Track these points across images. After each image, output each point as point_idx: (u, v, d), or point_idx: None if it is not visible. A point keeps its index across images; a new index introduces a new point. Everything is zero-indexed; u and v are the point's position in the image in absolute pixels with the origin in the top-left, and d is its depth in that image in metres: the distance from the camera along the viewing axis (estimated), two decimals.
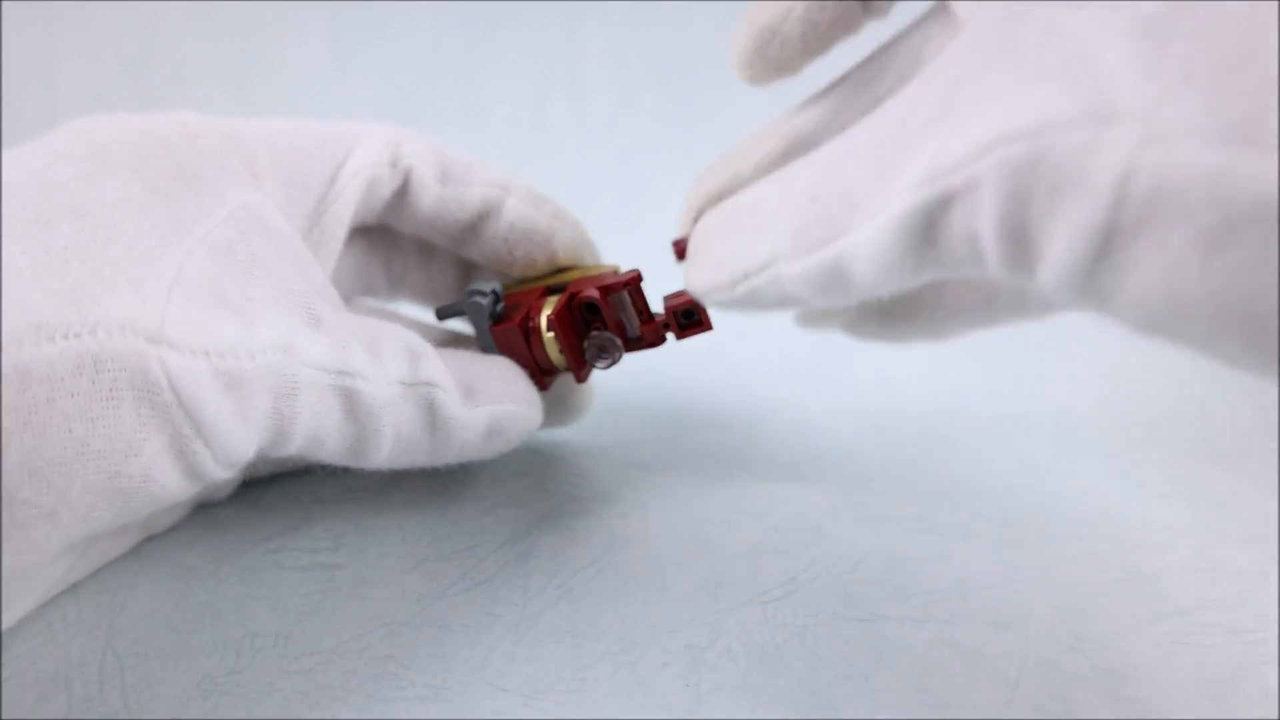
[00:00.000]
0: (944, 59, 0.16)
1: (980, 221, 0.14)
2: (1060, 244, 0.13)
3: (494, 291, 0.25)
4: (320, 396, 0.19)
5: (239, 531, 0.25)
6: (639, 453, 0.29)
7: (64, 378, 0.16)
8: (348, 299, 0.27)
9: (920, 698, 0.19)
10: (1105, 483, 0.28)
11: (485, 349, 0.25)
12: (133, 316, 0.16)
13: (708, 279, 0.20)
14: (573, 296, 0.24)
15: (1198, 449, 0.30)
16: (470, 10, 0.60)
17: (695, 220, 0.22)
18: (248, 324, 0.18)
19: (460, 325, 0.29)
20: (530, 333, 0.24)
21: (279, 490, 0.27)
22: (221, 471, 0.18)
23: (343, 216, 0.23)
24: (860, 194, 0.16)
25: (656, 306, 0.24)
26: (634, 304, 0.24)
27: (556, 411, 0.28)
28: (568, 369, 0.24)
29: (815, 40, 0.22)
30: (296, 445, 0.20)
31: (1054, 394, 0.34)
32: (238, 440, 0.18)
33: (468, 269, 0.29)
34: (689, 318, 0.23)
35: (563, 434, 0.31)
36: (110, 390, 0.16)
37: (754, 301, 0.19)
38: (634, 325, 0.24)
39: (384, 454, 0.21)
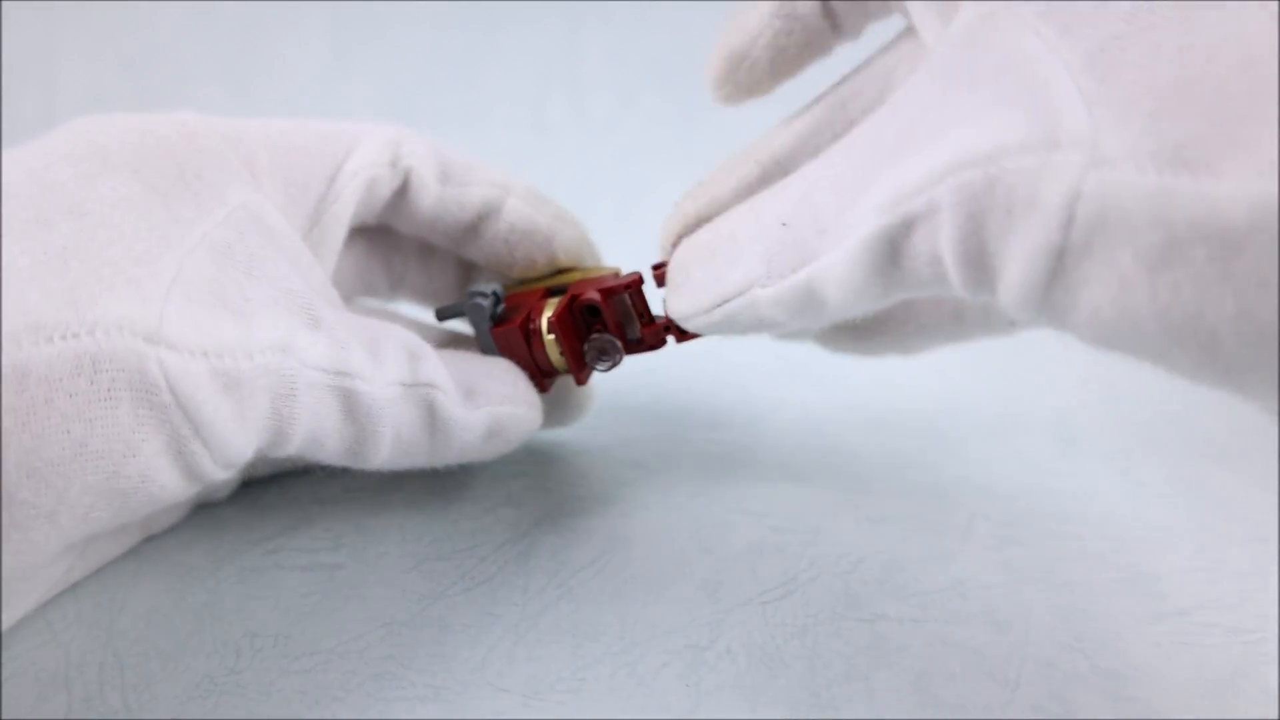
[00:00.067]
0: (909, 85, 0.17)
1: (941, 244, 0.15)
2: (1016, 265, 0.14)
3: (495, 293, 0.25)
4: (319, 397, 0.19)
5: (239, 531, 0.25)
6: (639, 453, 0.29)
7: (62, 378, 0.16)
8: (348, 299, 0.27)
9: (920, 698, 0.19)
10: (1105, 483, 0.28)
11: (485, 350, 0.25)
12: (131, 317, 0.16)
13: (687, 304, 0.21)
14: (574, 299, 0.24)
15: (1198, 449, 0.30)
16: (470, 10, 0.60)
17: (674, 245, 0.23)
18: (246, 324, 0.18)
19: (460, 326, 0.29)
20: (531, 335, 0.24)
21: (278, 490, 0.27)
22: (220, 472, 0.18)
23: (342, 217, 0.23)
24: (829, 219, 0.17)
25: (657, 309, 0.24)
26: (635, 306, 0.24)
27: (556, 412, 0.28)
28: (568, 371, 0.24)
29: (784, 64, 0.22)
30: (295, 446, 0.20)
31: (1054, 394, 0.34)
32: (236, 441, 0.18)
33: (468, 270, 0.29)
34: None
35: (563, 434, 0.31)
36: (108, 391, 0.16)
37: (732, 326, 0.20)
38: (635, 327, 0.24)
39: (383, 455, 0.21)
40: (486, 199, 0.26)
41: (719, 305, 0.20)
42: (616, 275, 0.25)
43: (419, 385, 0.21)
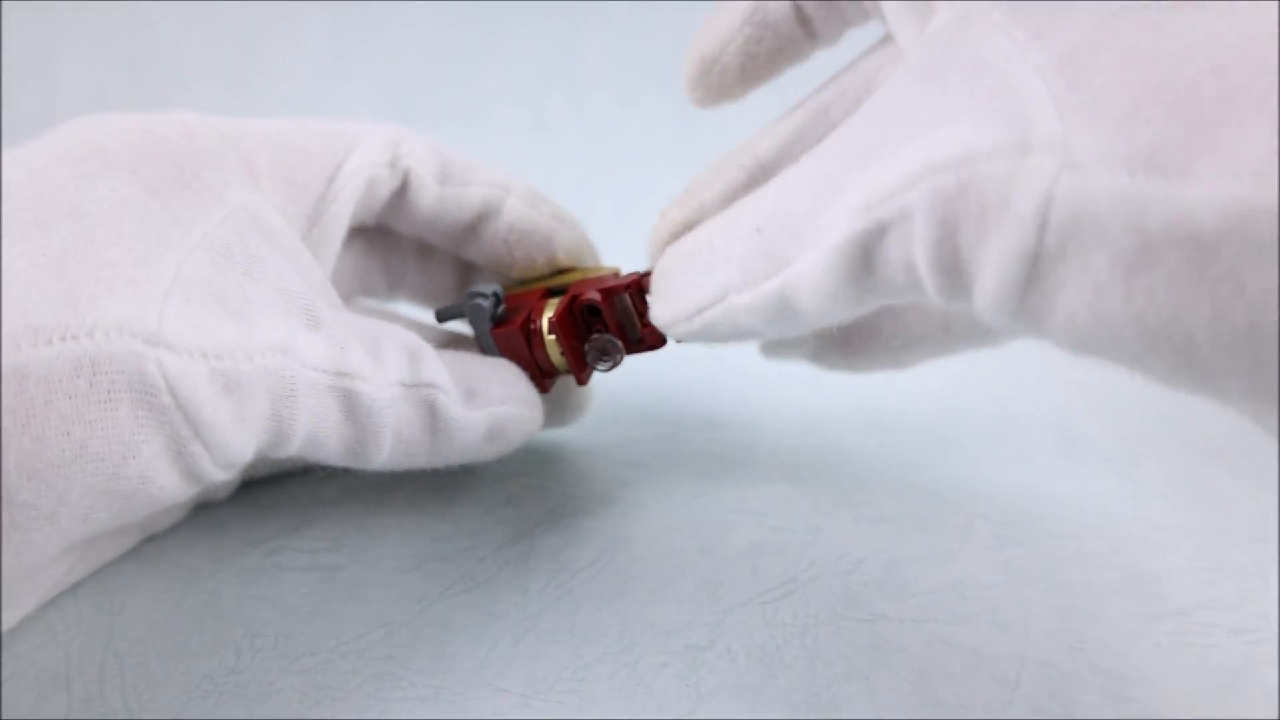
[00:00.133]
0: (883, 89, 0.17)
1: (915, 250, 0.15)
2: (990, 270, 0.14)
3: (495, 294, 0.25)
4: (319, 398, 0.19)
5: (239, 532, 0.25)
6: (639, 453, 0.29)
7: (62, 380, 0.16)
8: (346, 299, 0.27)
9: (920, 698, 0.19)
10: (1105, 483, 0.28)
11: (485, 351, 0.25)
12: (130, 318, 0.16)
13: (669, 312, 0.21)
14: (574, 299, 0.24)
15: (1198, 449, 0.30)
16: (470, 10, 0.60)
17: (661, 253, 0.23)
18: (246, 325, 0.18)
19: (460, 327, 0.29)
20: (532, 335, 0.24)
21: (279, 491, 0.27)
22: (220, 473, 0.18)
23: (341, 217, 0.23)
24: (802, 225, 0.17)
25: None
26: (635, 306, 0.24)
27: (556, 412, 0.28)
28: (569, 371, 0.24)
29: (755, 70, 0.22)
30: (296, 446, 0.20)
31: (1053, 394, 0.34)
32: (236, 442, 0.18)
33: (467, 270, 0.29)
34: None
35: (563, 434, 0.31)
36: (108, 392, 0.16)
37: (711, 334, 0.20)
38: (635, 327, 0.24)
39: (384, 455, 0.21)
40: (486, 199, 0.26)
41: (698, 313, 0.20)
42: (616, 275, 0.25)
43: (419, 385, 0.21)
